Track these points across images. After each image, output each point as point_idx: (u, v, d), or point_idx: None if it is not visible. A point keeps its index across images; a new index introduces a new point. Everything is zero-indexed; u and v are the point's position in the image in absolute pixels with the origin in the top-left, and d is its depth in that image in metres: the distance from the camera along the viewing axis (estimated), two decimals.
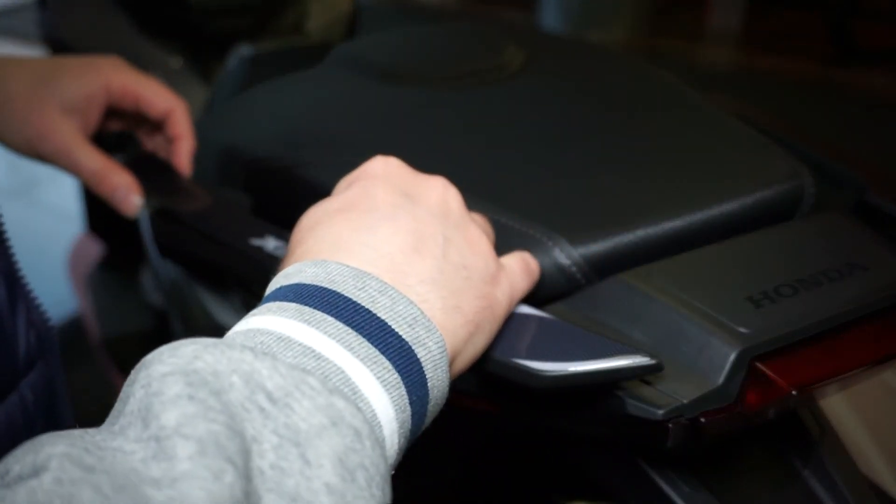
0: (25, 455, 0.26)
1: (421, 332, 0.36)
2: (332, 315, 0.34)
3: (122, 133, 0.74)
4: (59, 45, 1.19)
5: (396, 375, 0.34)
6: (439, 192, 0.44)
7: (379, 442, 0.31)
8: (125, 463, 0.26)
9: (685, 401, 0.46)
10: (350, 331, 0.34)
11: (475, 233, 0.43)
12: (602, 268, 0.54)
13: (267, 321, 0.34)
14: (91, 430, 0.29)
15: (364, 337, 0.34)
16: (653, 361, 0.45)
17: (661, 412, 0.45)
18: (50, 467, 0.25)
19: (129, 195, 0.64)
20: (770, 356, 0.49)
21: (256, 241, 0.58)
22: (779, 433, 0.58)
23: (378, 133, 0.69)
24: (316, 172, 0.65)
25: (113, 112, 0.69)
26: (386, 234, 0.39)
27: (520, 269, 0.46)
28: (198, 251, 0.63)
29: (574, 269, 0.53)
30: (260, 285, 0.65)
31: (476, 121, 0.70)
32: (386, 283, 0.36)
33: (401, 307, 0.36)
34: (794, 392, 0.48)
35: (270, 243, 0.58)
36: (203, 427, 0.27)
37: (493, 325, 0.42)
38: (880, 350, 0.52)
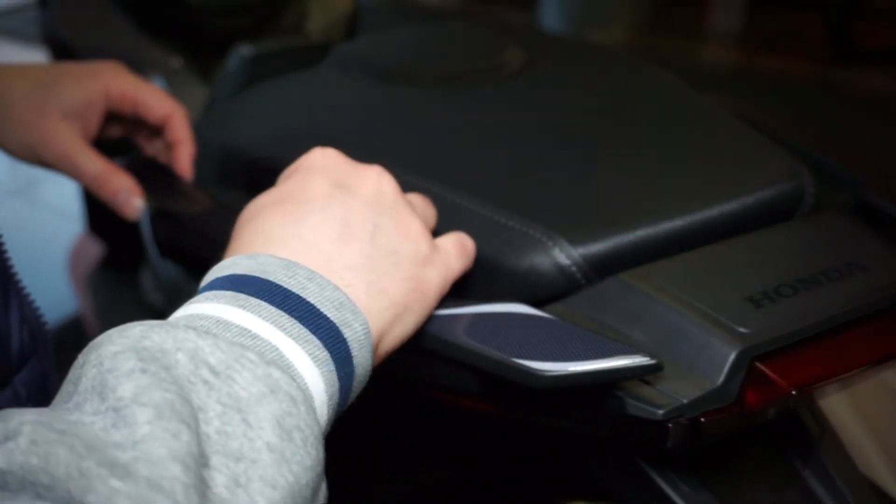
0: None
1: (347, 315, 0.38)
2: (265, 300, 0.36)
3: (122, 138, 0.74)
4: (59, 45, 1.19)
5: (326, 353, 0.37)
6: (373, 181, 0.46)
7: (312, 407, 0.34)
8: (88, 431, 0.28)
9: (685, 401, 0.46)
10: (282, 314, 0.36)
11: (407, 218, 0.45)
12: (602, 268, 0.54)
13: (205, 307, 0.37)
14: (44, 409, 0.30)
15: (296, 319, 0.36)
16: (652, 361, 0.45)
17: (661, 412, 0.45)
18: (23, 431, 0.27)
19: (131, 198, 0.65)
20: (770, 356, 0.49)
21: None
22: (779, 433, 0.58)
23: (378, 133, 0.69)
24: None
25: (113, 117, 0.70)
26: (315, 224, 0.42)
27: (455, 250, 0.48)
28: (198, 251, 0.63)
29: (574, 269, 0.53)
30: None
31: (476, 121, 0.70)
32: (314, 271, 0.39)
33: (328, 292, 0.38)
34: (793, 392, 0.48)
35: None
36: (158, 395, 0.29)
37: (424, 305, 0.44)
38: (880, 350, 0.52)
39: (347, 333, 0.38)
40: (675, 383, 0.47)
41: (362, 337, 0.39)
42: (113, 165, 0.66)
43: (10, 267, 0.47)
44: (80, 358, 0.33)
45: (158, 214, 0.66)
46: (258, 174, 0.70)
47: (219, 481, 0.30)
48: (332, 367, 0.37)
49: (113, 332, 0.33)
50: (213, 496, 0.29)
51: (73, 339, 1.64)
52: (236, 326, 0.35)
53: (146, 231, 0.70)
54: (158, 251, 0.69)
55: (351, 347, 0.38)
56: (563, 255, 0.53)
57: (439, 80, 0.76)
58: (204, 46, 1.18)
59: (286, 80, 0.81)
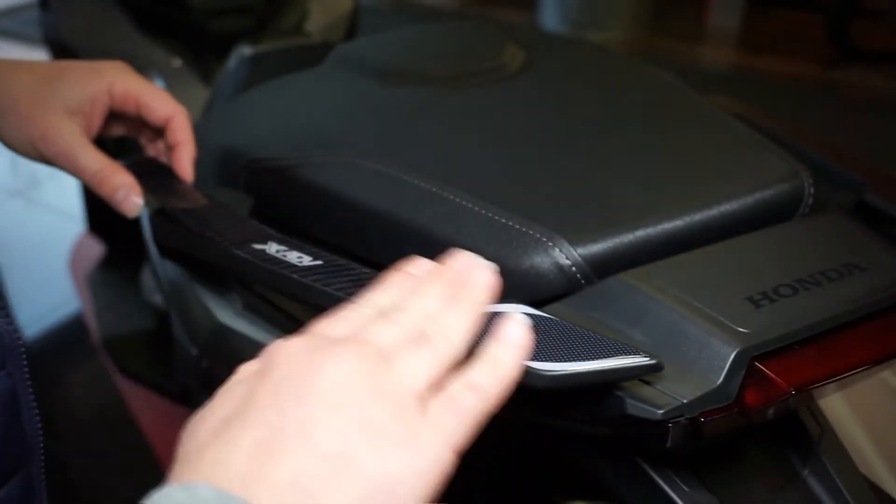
0: None
1: None
2: None
3: (123, 138, 0.74)
4: (59, 45, 1.19)
5: None
6: (329, 373, 0.37)
7: None
8: None
9: (685, 400, 0.46)
10: None
11: (364, 406, 0.36)
12: (602, 268, 0.54)
13: None
14: None
15: None
16: (652, 361, 0.45)
17: (660, 412, 0.45)
18: None
19: (130, 195, 0.65)
20: (770, 356, 0.49)
21: (258, 245, 0.58)
22: (779, 433, 0.58)
23: (378, 133, 0.69)
24: (316, 172, 0.65)
25: (115, 116, 0.70)
26: (244, 442, 0.35)
27: (452, 413, 0.38)
28: (198, 251, 0.63)
29: (574, 269, 0.53)
30: (260, 286, 0.65)
31: (476, 121, 0.70)
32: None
33: None
34: (793, 392, 0.48)
35: (272, 247, 0.58)
36: None
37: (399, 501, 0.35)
38: (880, 350, 0.52)
39: None
40: (674, 383, 0.47)
41: None
42: (113, 163, 0.66)
43: None
44: None
45: (158, 214, 0.66)
46: (258, 174, 0.70)
47: None
48: None
49: None
50: None
51: (74, 339, 1.64)
52: None
53: (146, 231, 0.70)
54: (158, 251, 0.69)
55: None
56: (563, 255, 0.53)
57: (439, 80, 0.76)
58: (204, 47, 1.19)
59: (286, 80, 0.82)
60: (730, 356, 0.47)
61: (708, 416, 0.47)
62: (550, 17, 3.96)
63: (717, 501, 0.53)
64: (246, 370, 0.40)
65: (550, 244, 0.54)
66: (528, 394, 0.47)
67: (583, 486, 0.74)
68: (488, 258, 0.55)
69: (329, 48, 0.88)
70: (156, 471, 1.14)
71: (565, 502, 0.74)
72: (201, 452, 0.36)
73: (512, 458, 0.80)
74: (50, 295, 1.78)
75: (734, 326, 0.48)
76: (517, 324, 0.40)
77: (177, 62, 1.14)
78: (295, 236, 0.59)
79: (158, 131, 0.71)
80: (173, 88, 1.12)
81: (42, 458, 0.49)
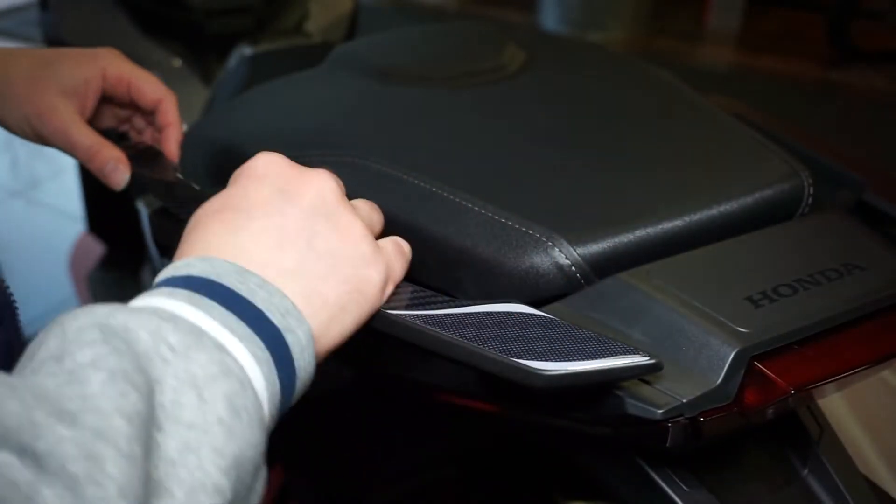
0: None
1: (292, 322, 0.41)
2: (217, 302, 0.39)
3: (119, 134, 0.76)
4: (59, 45, 1.20)
5: (267, 354, 0.39)
6: (315, 188, 0.47)
7: (256, 394, 0.37)
8: (40, 386, 0.31)
9: (684, 400, 0.46)
10: (231, 315, 0.39)
11: (348, 222, 0.47)
12: (602, 268, 0.54)
13: (161, 301, 0.39)
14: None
15: (242, 321, 0.39)
16: (651, 361, 0.45)
17: (660, 412, 0.45)
18: None
19: (119, 168, 0.68)
20: (769, 356, 0.49)
21: None
22: (778, 433, 0.58)
23: (378, 133, 0.69)
24: None
25: (106, 102, 0.73)
26: (253, 232, 0.44)
27: (394, 251, 0.50)
28: None
29: (574, 269, 0.53)
30: None
31: (476, 121, 0.70)
32: (265, 280, 0.42)
33: (276, 299, 0.41)
34: (793, 391, 0.48)
35: None
36: (114, 362, 0.32)
37: (364, 305, 0.46)
38: (879, 350, 0.52)
39: (290, 339, 0.40)
40: (674, 383, 0.47)
41: (304, 342, 0.41)
42: (104, 139, 0.69)
43: None
44: (41, 336, 0.35)
45: (158, 214, 0.66)
46: None
47: (170, 445, 0.33)
48: (272, 366, 0.39)
49: (78, 310, 0.35)
50: (162, 456, 0.32)
51: None
52: (187, 322, 0.37)
53: (146, 231, 0.70)
54: (158, 251, 0.69)
55: (293, 351, 0.40)
56: (563, 255, 0.53)
57: (439, 80, 0.76)
58: (204, 47, 1.19)
59: (286, 80, 0.82)
60: (729, 356, 0.47)
61: (707, 416, 0.47)
62: (550, 17, 3.96)
63: (717, 501, 0.53)
64: (237, 174, 0.48)
65: (550, 244, 0.54)
66: (527, 393, 0.48)
67: (583, 486, 0.74)
68: (488, 258, 0.55)
69: (329, 48, 0.88)
70: None
71: (565, 502, 0.74)
72: (209, 238, 0.44)
73: (512, 458, 0.80)
74: (50, 295, 1.78)
75: (734, 326, 0.49)
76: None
77: (177, 62, 1.14)
78: None
79: (147, 120, 0.75)
80: (173, 88, 1.12)
81: None
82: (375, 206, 0.53)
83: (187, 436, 0.33)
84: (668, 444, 0.46)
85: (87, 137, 0.68)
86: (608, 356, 0.44)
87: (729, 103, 0.76)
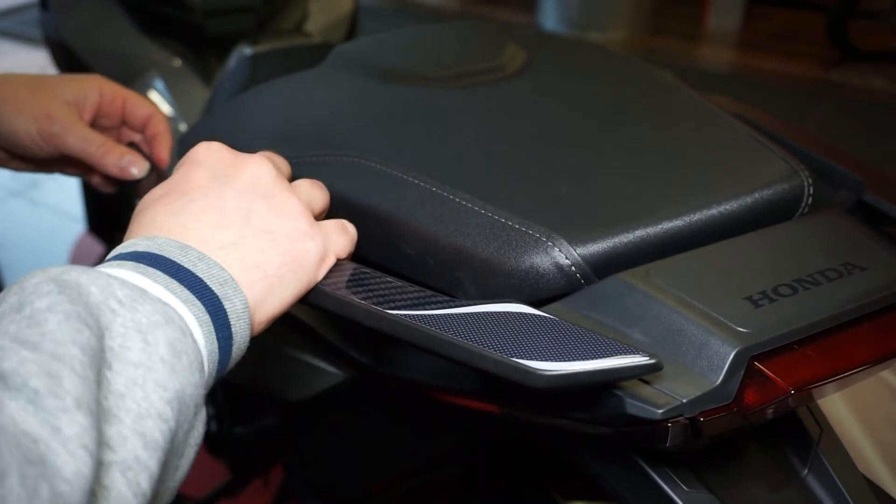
0: None
1: (229, 291, 0.45)
2: (160, 270, 0.43)
3: None
4: (59, 45, 1.20)
5: (207, 316, 0.43)
6: (251, 171, 0.51)
7: (196, 343, 0.41)
8: (3, 328, 0.35)
9: (684, 400, 0.46)
10: (173, 281, 0.43)
11: (283, 200, 0.51)
12: (601, 268, 0.54)
13: (109, 270, 0.42)
14: None
15: (184, 286, 0.43)
16: (651, 361, 0.45)
17: (660, 412, 0.45)
18: None
19: (134, 160, 0.73)
20: (769, 356, 0.49)
21: None
22: (778, 433, 0.58)
23: (378, 133, 0.69)
24: (315, 172, 0.65)
25: (101, 116, 0.77)
26: (194, 213, 0.48)
27: (335, 227, 0.53)
28: None
29: (573, 269, 0.53)
30: None
31: (476, 121, 0.70)
32: (204, 254, 0.46)
33: (215, 271, 0.45)
34: (792, 391, 0.48)
35: None
36: (68, 307, 0.36)
37: (302, 275, 0.50)
38: (879, 350, 0.52)
39: (227, 305, 0.44)
40: (674, 383, 0.47)
41: (241, 310, 0.45)
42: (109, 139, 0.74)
43: None
44: (3, 293, 0.39)
45: None
46: None
47: (118, 381, 0.37)
48: (211, 328, 0.43)
49: (35, 270, 0.40)
50: (112, 390, 0.36)
51: None
52: (134, 285, 0.41)
53: None
54: None
55: (230, 317, 0.44)
56: (563, 255, 0.53)
57: (439, 80, 0.76)
58: (204, 47, 1.19)
59: (286, 80, 0.82)
60: (729, 356, 0.47)
61: (707, 416, 0.47)
62: (550, 17, 3.96)
63: (717, 501, 0.53)
64: (181, 163, 0.52)
65: (550, 244, 0.54)
66: (527, 393, 0.48)
67: (583, 486, 0.74)
68: (488, 258, 0.55)
69: (329, 48, 0.88)
70: None
71: (565, 502, 0.74)
72: (154, 220, 0.48)
73: (512, 458, 0.80)
74: None
75: (733, 326, 0.49)
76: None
77: (177, 62, 1.14)
78: None
79: (137, 131, 0.80)
80: (173, 88, 1.12)
81: None
82: (318, 184, 0.56)
83: (134, 373, 0.37)
84: (668, 444, 0.46)
85: (98, 136, 0.73)
86: (608, 356, 0.44)
87: (729, 103, 0.76)
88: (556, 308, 0.53)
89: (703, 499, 0.52)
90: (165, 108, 1.10)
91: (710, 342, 0.48)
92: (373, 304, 0.49)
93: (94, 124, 0.77)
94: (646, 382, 0.47)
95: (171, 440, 0.38)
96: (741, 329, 0.48)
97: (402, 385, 0.63)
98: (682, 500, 0.52)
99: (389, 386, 0.65)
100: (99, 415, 0.34)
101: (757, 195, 0.59)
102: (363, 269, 0.53)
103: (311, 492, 0.94)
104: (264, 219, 0.49)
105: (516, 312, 0.48)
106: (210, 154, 0.52)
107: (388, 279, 0.52)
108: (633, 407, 0.46)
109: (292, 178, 0.68)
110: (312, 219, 0.52)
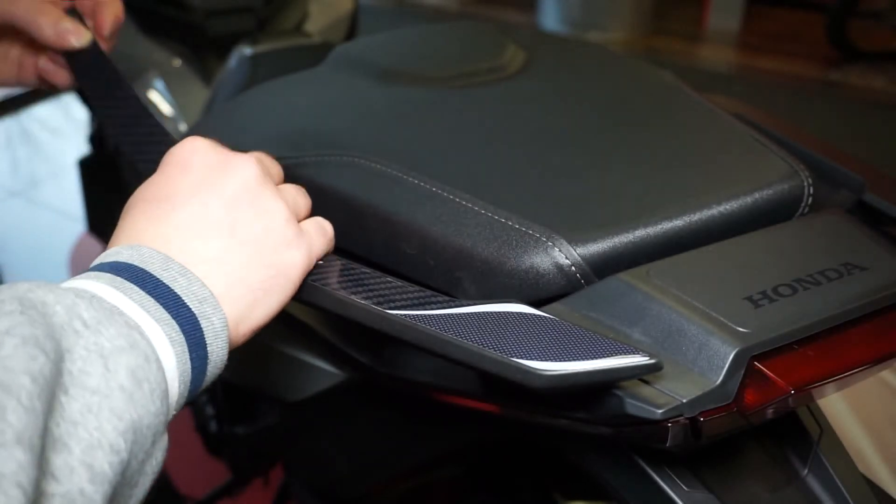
0: None
1: (208, 309, 0.44)
2: (137, 286, 0.42)
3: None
4: None
5: (181, 336, 0.42)
6: (239, 176, 0.49)
7: (162, 370, 0.40)
8: None
9: (684, 400, 0.46)
10: (150, 298, 0.42)
11: (270, 207, 0.49)
12: (601, 268, 0.54)
13: (85, 284, 0.41)
14: None
15: (160, 304, 0.42)
16: (651, 361, 0.45)
17: (660, 411, 0.45)
18: None
19: (75, 28, 0.70)
20: (769, 355, 0.49)
21: None
22: (779, 433, 0.58)
23: (378, 133, 0.69)
24: (315, 172, 0.65)
25: None
26: (177, 224, 0.47)
27: (315, 230, 0.52)
28: None
29: (573, 269, 0.53)
30: None
31: (476, 121, 0.70)
32: (186, 268, 0.44)
33: (195, 287, 0.44)
34: (792, 391, 0.48)
35: None
36: (27, 330, 0.35)
37: (286, 286, 0.49)
38: (879, 350, 0.52)
39: (205, 324, 0.43)
40: (674, 383, 0.47)
41: (219, 329, 0.44)
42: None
43: None
44: None
45: None
46: None
47: (74, 407, 0.35)
48: (185, 348, 0.42)
49: (3, 286, 0.38)
50: (66, 416, 0.35)
51: None
52: (108, 303, 0.40)
53: None
54: None
55: (206, 337, 0.43)
56: (563, 255, 0.53)
57: (439, 80, 0.76)
58: (204, 47, 1.19)
59: (286, 80, 0.82)
60: (729, 356, 0.47)
61: (707, 416, 0.47)
62: (550, 17, 3.96)
63: (716, 501, 0.53)
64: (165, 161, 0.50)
65: (550, 244, 0.54)
66: (527, 393, 0.48)
67: (583, 486, 0.74)
68: (488, 258, 0.55)
69: (329, 48, 0.88)
70: None
71: (565, 502, 0.74)
72: (137, 227, 0.47)
73: (512, 458, 0.80)
74: None
75: (733, 326, 0.49)
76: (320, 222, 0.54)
77: (177, 62, 1.14)
78: None
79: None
80: (173, 88, 1.12)
81: None
82: (302, 190, 0.55)
83: (90, 400, 0.36)
84: (667, 444, 0.46)
85: (54, 9, 0.70)
86: (608, 356, 0.44)
87: (729, 103, 0.76)
88: (556, 308, 0.53)
89: (703, 499, 0.52)
90: (165, 108, 1.10)
91: (710, 342, 0.48)
92: (373, 303, 0.49)
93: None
94: (646, 382, 0.47)
95: (122, 472, 0.37)
96: (741, 329, 0.48)
97: (402, 385, 0.63)
98: (681, 499, 0.52)
99: (389, 386, 0.65)
100: (48, 442, 0.34)
101: (757, 195, 0.59)
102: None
103: (311, 492, 0.94)
104: (251, 229, 0.48)
105: (516, 312, 0.48)
106: (196, 156, 0.50)
107: (388, 279, 0.52)
108: (633, 407, 0.46)
109: (292, 179, 0.68)
110: (298, 226, 0.50)
